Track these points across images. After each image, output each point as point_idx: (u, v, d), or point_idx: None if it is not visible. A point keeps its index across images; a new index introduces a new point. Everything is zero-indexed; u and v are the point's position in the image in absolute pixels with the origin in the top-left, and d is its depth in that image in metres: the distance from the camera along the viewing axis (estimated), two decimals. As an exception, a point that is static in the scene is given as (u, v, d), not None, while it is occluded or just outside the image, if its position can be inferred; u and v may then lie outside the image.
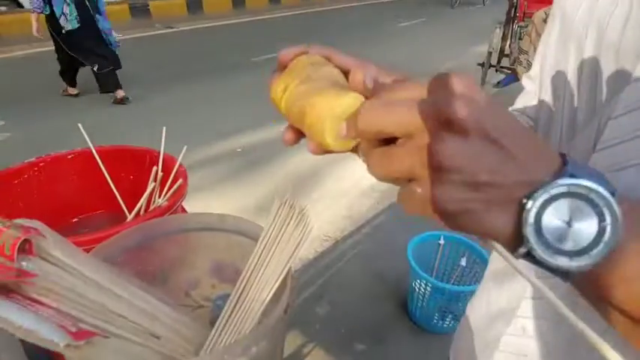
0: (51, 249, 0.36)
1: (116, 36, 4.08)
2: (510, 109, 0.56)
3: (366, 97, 0.29)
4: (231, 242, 0.60)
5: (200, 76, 4.90)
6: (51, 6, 3.55)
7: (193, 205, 0.78)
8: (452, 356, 0.65)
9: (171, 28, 7.40)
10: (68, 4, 3.55)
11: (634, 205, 0.23)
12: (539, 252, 0.22)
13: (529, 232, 0.22)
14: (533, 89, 0.53)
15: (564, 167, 0.22)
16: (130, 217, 0.68)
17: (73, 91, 4.20)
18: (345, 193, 2.66)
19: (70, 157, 0.76)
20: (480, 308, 0.56)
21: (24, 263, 0.34)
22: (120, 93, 4.00)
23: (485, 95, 0.23)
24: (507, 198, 0.22)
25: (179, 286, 0.63)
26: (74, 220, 0.79)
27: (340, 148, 0.29)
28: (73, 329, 0.36)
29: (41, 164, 0.73)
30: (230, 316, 0.54)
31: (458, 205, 0.22)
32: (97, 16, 3.79)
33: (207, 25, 7.82)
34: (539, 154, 0.23)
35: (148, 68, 5.14)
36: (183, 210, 0.76)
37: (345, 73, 0.34)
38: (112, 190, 0.77)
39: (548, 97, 0.48)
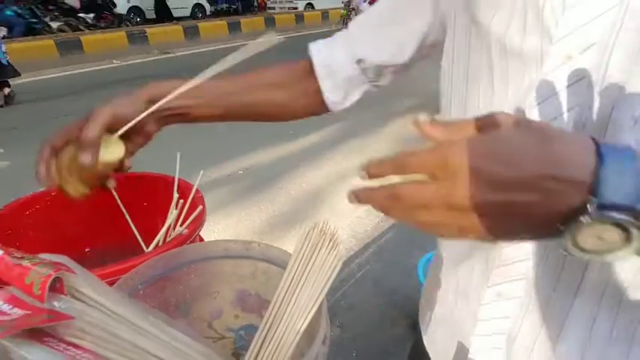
0: (81, 286, 0.34)
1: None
2: None
3: None
4: (257, 270, 0.58)
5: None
6: None
7: (205, 230, 0.75)
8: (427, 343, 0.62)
9: (168, 53, 7.48)
10: None
11: None
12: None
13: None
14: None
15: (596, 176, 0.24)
16: (150, 247, 0.66)
17: None
18: (349, 213, 2.64)
19: (82, 185, 0.73)
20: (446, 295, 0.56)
21: (55, 303, 0.31)
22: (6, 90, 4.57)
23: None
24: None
25: (202, 317, 0.60)
26: (86, 251, 0.76)
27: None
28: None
29: (53, 193, 0.71)
30: (261, 348, 0.51)
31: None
32: None
33: (204, 49, 7.92)
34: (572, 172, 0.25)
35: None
36: (200, 238, 0.74)
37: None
38: (124, 218, 0.75)
39: None
